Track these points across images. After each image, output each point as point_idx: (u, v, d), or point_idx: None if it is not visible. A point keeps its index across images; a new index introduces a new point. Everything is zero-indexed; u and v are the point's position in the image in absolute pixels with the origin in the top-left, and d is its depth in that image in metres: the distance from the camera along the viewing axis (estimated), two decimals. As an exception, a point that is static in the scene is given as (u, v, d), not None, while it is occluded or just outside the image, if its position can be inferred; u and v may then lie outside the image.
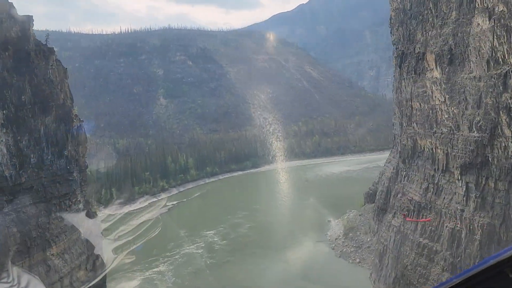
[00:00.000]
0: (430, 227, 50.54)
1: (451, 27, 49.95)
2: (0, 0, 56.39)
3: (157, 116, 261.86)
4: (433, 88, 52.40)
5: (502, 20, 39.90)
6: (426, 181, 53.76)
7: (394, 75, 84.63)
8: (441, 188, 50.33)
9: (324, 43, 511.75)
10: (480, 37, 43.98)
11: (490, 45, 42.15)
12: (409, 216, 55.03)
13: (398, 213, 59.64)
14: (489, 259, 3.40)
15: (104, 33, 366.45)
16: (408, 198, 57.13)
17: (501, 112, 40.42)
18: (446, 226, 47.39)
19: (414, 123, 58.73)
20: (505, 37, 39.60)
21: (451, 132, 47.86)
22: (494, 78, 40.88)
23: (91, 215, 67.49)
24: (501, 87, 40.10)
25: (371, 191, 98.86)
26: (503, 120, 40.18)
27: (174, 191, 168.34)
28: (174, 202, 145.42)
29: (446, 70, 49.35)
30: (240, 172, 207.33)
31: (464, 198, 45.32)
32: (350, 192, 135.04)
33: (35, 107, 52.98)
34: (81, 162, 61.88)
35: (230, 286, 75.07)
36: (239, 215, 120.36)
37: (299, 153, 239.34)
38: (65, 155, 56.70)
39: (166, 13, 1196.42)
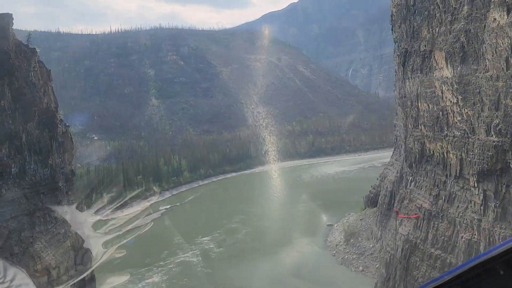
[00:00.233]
0: (442, 237, 47.24)
1: (462, 23, 46.59)
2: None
3: (149, 117, 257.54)
4: (443, 88, 49.06)
5: (523, 14, 36.66)
6: (436, 187, 50.45)
7: (395, 74, 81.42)
8: (454, 196, 47.02)
9: (316, 41, 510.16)
10: (497, 33, 40.64)
11: (509, 41, 38.83)
12: (420, 224, 51.69)
13: (406, 220, 56.31)
14: (480, 256, 3.39)
15: (94, 33, 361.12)
16: (417, 205, 53.79)
17: (522, 114, 37.24)
18: (462, 237, 44.11)
19: (422, 125, 55.37)
20: (527, 33, 36.37)
21: (465, 135, 44.55)
22: (515, 78, 37.67)
23: (78, 224, 63.45)
24: (522, 87, 36.93)
25: (371, 195, 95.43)
26: (525, 123, 37.02)
27: (167, 194, 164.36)
28: (167, 206, 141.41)
29: (458, 69, 46.00)
30: (234, 174, 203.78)
31: (482, 207, 42.03)
32: (348, 194, 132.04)
33: (16, 113, 48.97)
34: (67, 170, 57.90)
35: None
36: (235, 219, 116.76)
37: (294, 153, 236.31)
38: (49, 163, 52.78)
39: (157, 12, 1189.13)
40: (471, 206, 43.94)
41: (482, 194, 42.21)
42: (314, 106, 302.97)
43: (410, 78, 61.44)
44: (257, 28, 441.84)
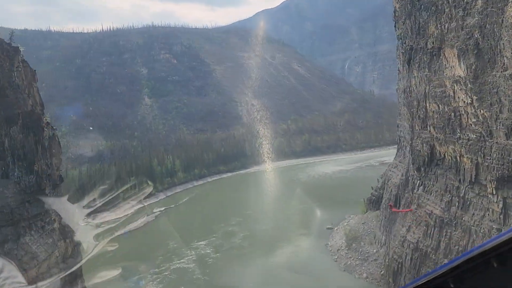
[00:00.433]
0: (456, 247, 44.36)
1: (476, 18, 43.64)
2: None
3: (142, 117, 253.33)
4: (455, 87, 46.08)
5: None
6: (448, 193, 47.53)
7: (398, 72, 78.54)
8: (468, 202, 44.11)
9: (310, 39, 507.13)
10: (516, 28, 37.79)
11: (531, 37, 35.97)
12: (430, 232, 48.74)
13: (414, 227, 53.40)
14: (474, 249, 3.45)
15: (86, 31, 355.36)
16: (426, 211, 50.87)
17: (546, 116, 34.34)
18: (479, 247, 41.11)
19: (431, 127, 52.43)
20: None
21: (482, 138, 41.63)
22: (538, 76, 34.74)
23: (67, 233, 60.02)
24: (546, 87, 34.01)
25: (373, 197, 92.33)
26: (550, 126, 34.12)
27: (161, 195, 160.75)
28: (162, 209, 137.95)
29: (473, 67, 43.02)
30: (229, 174, 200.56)
31: (501, 216, 39.15)
32: (347, 195, 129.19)
33: (-2, 116, 45.56)
34: (55, 176, 54.41)
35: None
36: (232, 222, 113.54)
37: (289, 152, 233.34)
38: (35, 169, 49.31)
39: (150, 11, 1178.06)
40: (488, 214, 41.04)
41: (501, 202, 39.29)
42: (309, 104, 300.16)
43: (416, 76, 58.50)
44: (250, 26, 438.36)
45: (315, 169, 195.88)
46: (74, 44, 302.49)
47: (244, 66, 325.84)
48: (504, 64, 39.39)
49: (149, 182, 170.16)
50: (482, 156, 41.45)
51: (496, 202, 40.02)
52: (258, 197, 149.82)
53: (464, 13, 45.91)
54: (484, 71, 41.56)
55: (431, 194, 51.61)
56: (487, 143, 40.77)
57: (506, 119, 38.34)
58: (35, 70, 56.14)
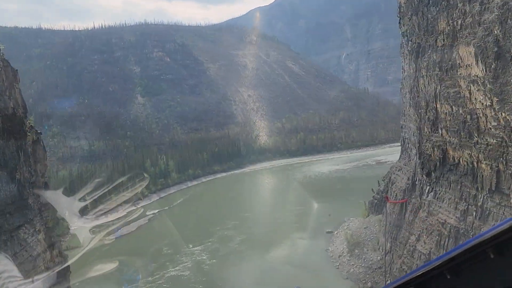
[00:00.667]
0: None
1: (496, 13, 40.22)
2: None
3: (135, 116, 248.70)
4: (472, 88, 42.68)
5: None
6: (464, 201, 44.19)
7: (402, 72, 75.28)
8: (487, 212, 40.80)
9: (304, 37, 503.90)
10: (544, 24, 34.44)
11: (561, 33, 32.63)
12: (444, 243, 45.37)
13: (425, 236, 50.09)
14: (471, 240, 3.50)
15: (77, 29, 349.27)
16: (439, 219, 47.54)
17: None
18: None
19: (443, 130, 49.00)
20: None
21: (503, 144, 38.27)
22: None
23: (54, 243, 56.20)
24: None
25: (375, 201, 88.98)
26: None
27: (155, 197, 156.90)
28: (155, 211, 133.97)
29: (492, 66, 39.62)
30: (224, 174, 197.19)
31: (527, 229, 35.90)
32: (345, 196, 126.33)
33: (-25, 120, 41.65)
34: (39, 183, 50.56)
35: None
36: (228, 225, 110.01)
37: (284, 151, 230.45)
38: (16, 178, 45.43)
39: (143, 9, 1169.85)
40: (511, 227, 37.71)
41: (527, 213, 36.13)
42: (304, 102, 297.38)
43: (425, 76, 55.08)
44: (244, 24, 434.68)
45: (311, 169, 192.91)
46: (65, 42, 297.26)
47: (238, 64, 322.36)
48: (528, 63, 36.16)
49: (145, 174, 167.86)
50: (504, 163, 38.13)
51: (521, 213, 36.91)
52: (254, 198, 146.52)
53: (481, 7, 42.52)
54: (506, 71, 38.23)
55: (443, 201, 48.28)
56: (509, 149, 37.48)
57: (532, 123, 35.19)
58: (16, 70, 52.09)
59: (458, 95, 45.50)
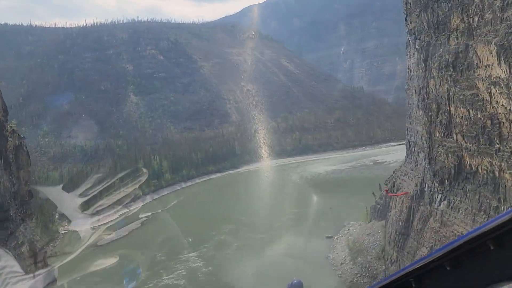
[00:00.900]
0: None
1: (521, 9, 37.01)
2: None
3: (127, 115, 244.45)
4: (493, 90, 39.36)
5: None
6: (483, 212, 40.95)
7: (409, 71, 71.97)
8: (510, 226, 37.58)
9: (297, 35, 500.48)
10: None
11: None
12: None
13: (436, 246, 46.84)
14: (471, 232, 3.51)
15: (68, 26, 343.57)
16: (454, 231, 44.27)
17: None
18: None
19: (458, 135, 45.70)
20: None
21: (530, 152, 35.12)
22: None
23: (38, 255, 52.32)
24: None
25: (379, 206, 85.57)
26: None
27: (148, 199, 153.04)
28: (148, 214, 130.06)
29: (516, 67, 36.41)
30: (219, 174, 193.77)
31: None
32: (344, 198, 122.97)
33: (-50, 125, 37.65)
34: (22, 192, 46.65)
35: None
36: (224, 230, 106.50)
37: (280, 151, 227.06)
38: (-3, 188, 41.69)
39: (136, 6, 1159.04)
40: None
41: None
42: (299, 101, 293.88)
43: (436, 76, 51.75)
44: (238, 22, 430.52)
45: (307, 169, 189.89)
46: (56, 39, 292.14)
47: (232, 62, 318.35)
48: (560, 63, 32.91)
49: (144, 169, 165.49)
50: (531, 173, 35.05)
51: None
52: (250, 200, 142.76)
53: (504, 2, 39.18)
54: (533, 72, 35.04)
55: (458, 212, 45.05)
56: (537, 157, 34.37)
57: None
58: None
59: (476, 98, 42.19)
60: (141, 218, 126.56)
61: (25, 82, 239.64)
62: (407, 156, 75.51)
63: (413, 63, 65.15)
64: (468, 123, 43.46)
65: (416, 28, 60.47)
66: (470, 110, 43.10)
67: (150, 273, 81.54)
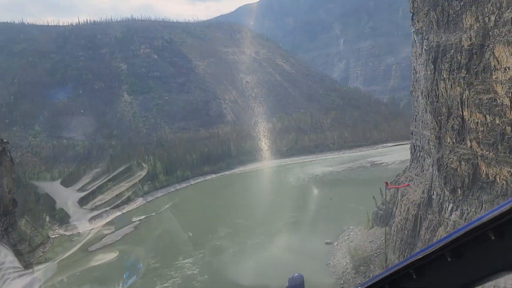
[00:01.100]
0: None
1: (545, 7, 34.32)
2: None
3: (121, 115, 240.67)
4: (512, 94, 36.69)
5: None
6: (501, 225, 38.26)
7: (414, 73, 69.26)
8: (534, 241, 35.00)
9: (291, 35, 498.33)
10: None
11: None
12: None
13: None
14: (471, 223, 3.51)
15: (61, 24, 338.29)
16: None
17: None
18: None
19: (473, 141, 42.95)
20: None
21: (557, 162, 32.44)
22: None
23: (26, 266, 49.13)
24: None
25: (381, 212, 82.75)
26: None
27: (142, 201, 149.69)
28: (142, 217, 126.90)
29: (541, 69, 33.74)
30: (214, 175, 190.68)
31: None
32: (342, 200, 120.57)
33: None
34: (5, 201, 43.49)
35: None
36: (220, 234, 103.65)
37: (275, 151, 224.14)
38: (-22, 197, 38.53)
39: (130, 4, 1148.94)
40: None
41: None
42: (295, 101, 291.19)
43: (447, 79, 49.02)
44: (232, 21, 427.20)
45: (303, 170, 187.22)
46: (49, 38, 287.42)
47: (227, 61, 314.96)
48: None
49: (144, 165, 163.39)
50: (558, 185, 32.42)
51: None
52: (247, 203, 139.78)
53: (525, 1, 36.53)
54: (560, 75, 32.39)
55: (473, 223, 42.36)
56: None
57: None
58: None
59: (494, 103, 39.45)
60: (134, 221, 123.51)
61: (16, 81, 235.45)
62: (411, 161, 72.76)
63: (419, 64, 62.36)
64: (485, 129, 40.70)
65: (423, 28, 57.73)
66: (487, 116, 40.34)
67: (143, 281, 78.49)
